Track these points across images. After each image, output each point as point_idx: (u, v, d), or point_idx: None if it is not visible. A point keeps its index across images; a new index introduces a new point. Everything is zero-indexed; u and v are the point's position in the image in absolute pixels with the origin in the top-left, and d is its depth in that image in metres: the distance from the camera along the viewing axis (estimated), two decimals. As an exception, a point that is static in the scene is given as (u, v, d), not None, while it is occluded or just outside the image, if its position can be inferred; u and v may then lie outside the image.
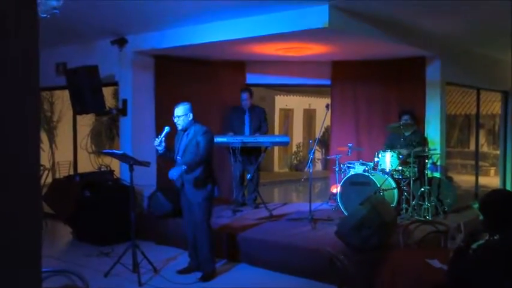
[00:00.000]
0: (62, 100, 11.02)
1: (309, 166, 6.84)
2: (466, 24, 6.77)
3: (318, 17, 5.77)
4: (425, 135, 7.82)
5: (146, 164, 5.72)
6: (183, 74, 8.11)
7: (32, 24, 1.29)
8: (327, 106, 7.16)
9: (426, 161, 7.19)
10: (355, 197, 6.76)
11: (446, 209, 7.20)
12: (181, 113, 5.36)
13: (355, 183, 7.05)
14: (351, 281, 2.97)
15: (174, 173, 5.30)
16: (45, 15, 5.11)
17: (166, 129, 5.41)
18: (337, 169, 7.72)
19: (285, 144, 8.43)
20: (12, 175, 1.23)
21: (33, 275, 1.30)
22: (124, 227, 6.28)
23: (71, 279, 2.82)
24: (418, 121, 7.87)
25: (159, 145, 5.38)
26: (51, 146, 12.10)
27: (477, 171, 9.91)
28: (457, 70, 8.43)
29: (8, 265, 1.22)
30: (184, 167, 5.24)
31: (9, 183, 1.22)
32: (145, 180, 7.31)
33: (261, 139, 7.60)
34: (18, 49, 1.26)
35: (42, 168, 8.83)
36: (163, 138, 5.40)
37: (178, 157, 5.45)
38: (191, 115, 5.40)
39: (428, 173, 7.28)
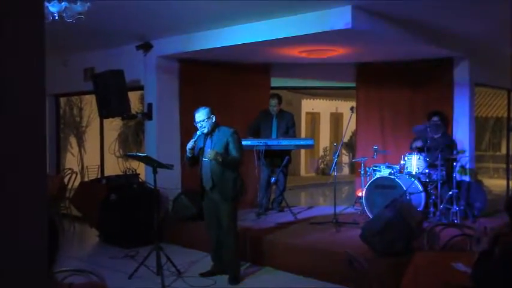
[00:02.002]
0: (91, 105, 11.22)
1: (334, 169, 6.78)
2: (495, 24, 6.61)
3: (341, 18, 5.72)
4: (454, 137, 7.66)
5: (169, 166, 5.75)
6: (207, 77, 8.15)
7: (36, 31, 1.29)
8: (352, 108, 7.09)
9: (454, 164, 7.04)
10: (380, 201, 6.66)
11: (476, 213, 7.02)
12: (203, 117, 5.33)
13: (381, 186, 6.95)
14: (370, 283, 2.92)
15: (211, 153, 5.22)
16: (70, 20, 5.21)
17: (199, 132, 5.39)
18: (362, 172, 7.63)
19: (310, 147, 8.37)
20: (16, 172, 1.23)
21: (40, 274, 1.30)
22: (149, 229, 6.34)
23: (89, 278, 2.85)
24: (446, 123, 7.71)
25: (190, 148, 5.35)
26: (80, 151, 12.32)
27: (508, 175, 9.65)
28: (486, 71, 8.23)
29: (14, 264, 1.22)
30: (220, 154, 5.19)
31: (13, 180, 1.22)
32: (170, 183, 7.36)
33: (285, 142, 7.55)
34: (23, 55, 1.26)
35: (70, 171, 8.99)
36: (194, 143, 5.39)
37: (205, 159, 5.38)
38: (214, 117, 5.39)
39: (457, 176, 7.12)
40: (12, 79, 1.19)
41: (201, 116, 5.35)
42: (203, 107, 5.41)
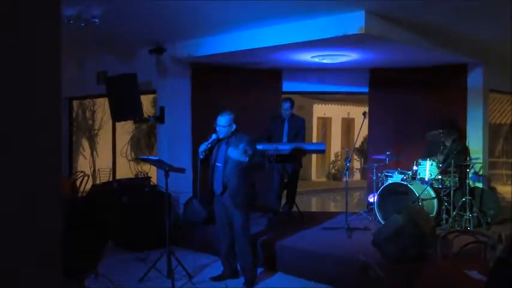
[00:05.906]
0: (103, 108, 11.28)
1: (345, 175, 6.75)
2: (510, 29, 6.55)
3: (354, 22, 5.70)
4: (467, 144, 7.59)
5: (181, 170, 5.75)
6: (219, 81, 8.17)
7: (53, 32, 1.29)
8: (364, 114, 7.05)
9: (468, 170, 6.98)
10: (392, 207, 6.62)
11: (489, 220, 6.95)
12: (225, 124, 5.30)
13: (393, 192, 6.90)
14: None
15: (235, 154, 5.18)
16: (85, 25, 5.25)
17: (214, 136, 5.37)
18: (374, 178, 7.58)
19: (321, 152, 8.34)
20: (29, 167, 1.23)
21: (52, 275, 1.30)
22: (160, 233, 6.32)
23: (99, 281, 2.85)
24: (460, 130, 7.65)
25: (203, 150, 5.34)
26: (92, 153, 12.38)
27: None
28: (500, 77, 8.16)
29: (25, 265, 1.22)
30: (246, 158, 5.14)
31: (27, 176, 1.22)
32: (182, 187, 7.36)
33: (296, 146, 7.52)
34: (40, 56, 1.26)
35: (82, 174, 9.05)
36: (209, 145, 5.37)
37: (218, 164, 5.38)
38: (234, 126, 5.36)
39: (470, 182, 7.05)
40: (28, 81, 1.19)
41: (222, 121, 5.32)
42: (227, 113, 5.35)
